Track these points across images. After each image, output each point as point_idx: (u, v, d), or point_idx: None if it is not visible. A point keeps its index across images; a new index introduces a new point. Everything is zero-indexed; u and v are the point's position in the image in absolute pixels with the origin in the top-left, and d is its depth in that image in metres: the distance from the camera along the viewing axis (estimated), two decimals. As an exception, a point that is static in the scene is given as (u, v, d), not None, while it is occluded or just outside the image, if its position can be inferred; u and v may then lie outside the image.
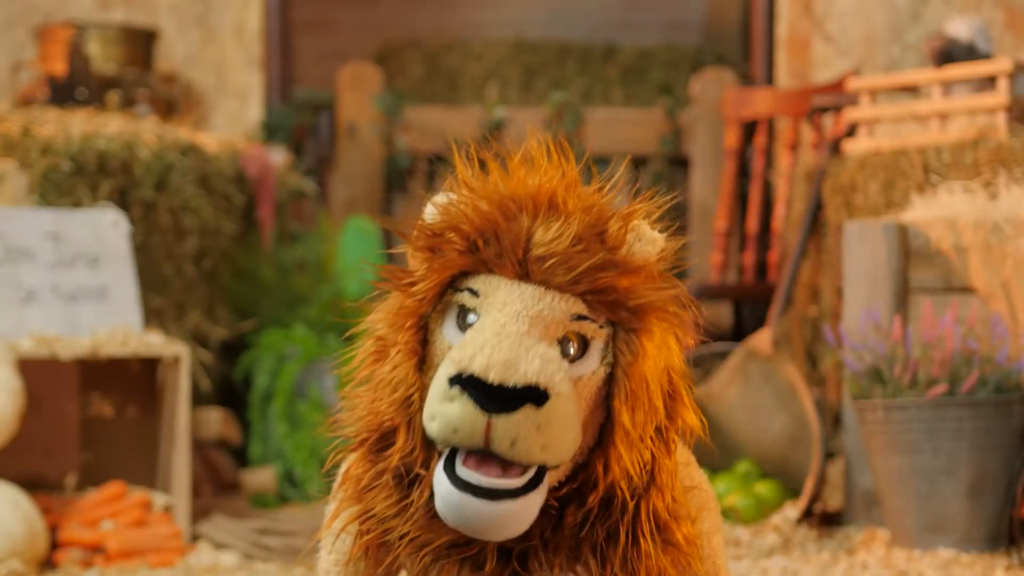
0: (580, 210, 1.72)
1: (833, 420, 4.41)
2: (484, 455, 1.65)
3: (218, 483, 4.47)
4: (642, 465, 1.72)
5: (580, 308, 1.70)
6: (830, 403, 4.42)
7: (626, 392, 1.70)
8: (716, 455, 4.17)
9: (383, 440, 1.75)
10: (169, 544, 3.76)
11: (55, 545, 3.71)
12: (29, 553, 3.56)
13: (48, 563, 3.68)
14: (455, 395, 1.63)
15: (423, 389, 1.71)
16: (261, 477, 4.50)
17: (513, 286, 1.70)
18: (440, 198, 1.77)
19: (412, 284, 1.73)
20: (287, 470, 4.56)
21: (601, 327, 1.71)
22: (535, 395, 1.62)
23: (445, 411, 1.64)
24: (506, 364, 1.62)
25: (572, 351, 1.70)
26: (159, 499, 3.89)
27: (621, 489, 1.72)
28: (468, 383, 1.62)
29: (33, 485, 3.93)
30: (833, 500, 4.19)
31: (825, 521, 4.06)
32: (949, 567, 3.46)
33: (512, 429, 1.62)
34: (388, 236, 6.01)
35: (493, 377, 1.61)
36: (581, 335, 1.70)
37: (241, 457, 4.64)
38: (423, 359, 1.73)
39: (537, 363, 1.64)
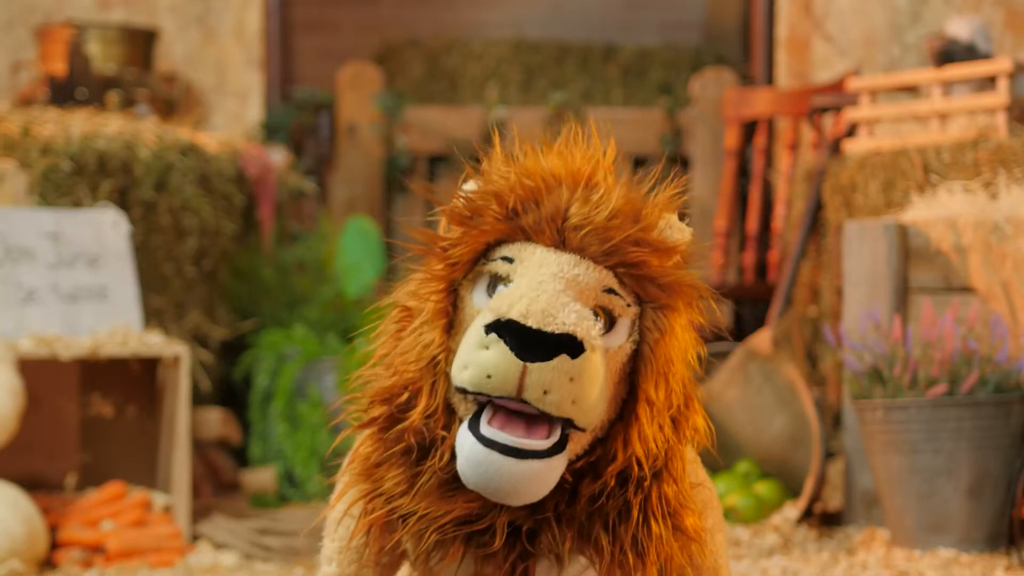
0: (617, 188, 1.77)
1: (833, 420, 4.41)
2: (508, 417, 1.67)
3: (218, 483, 4.47)
4: (661, 444, 1.74)
5: (612, 282, 1.73)
6: (830, 403, 4.42)
7: (651, 368, 1.74)
8: (716, 455, 4.17)
9: (401, 410, 1.75)
10: (169, 544, 3.76)
11: (55, 545, 3.71)
12: (29, 553, 3.56)
13: (48, 563, 3.68)
14: (491, 341, 1.65)
15: (449, 352, 1.73)
16: (261, 477, 4.50)
17: (549, 252, 1.73)
18: (471, 185, 1.80)
19: (447, 249, 1.75)
20: (287, 470, 4.56)
21: (629, 305, 1.74)
22: (571, 345, 1.64)
23: (480, 358, 1.65)
24: (544, 312, 1.65)
25: (600, 324, 1.72)
26: (159, 499, 3.89)
27: (638, 465, 1.73)
28: (506, 328, 1.64)
29: (33, 485, 3.93)
30: (833, 500, 4.19)
31: (825, 521, 4.06)
32: (949, 567, 3.46)
33: (547, 377, 1.64)
34: (389, 235, 6.01)
35: (532, 322, 1.64)
36: (609, 311, 1.73)
37: (241, 457, 4.65)
38: (451, 323, 1.75)
39: (574, 316, 1.66)
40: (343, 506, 1.84)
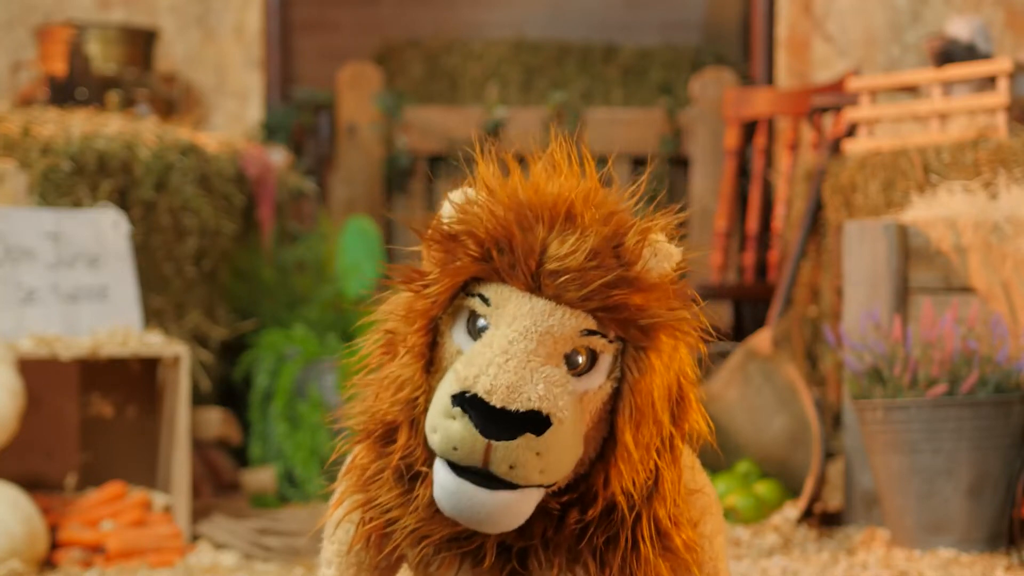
0: (597, 222, 1.70)
1: (833, 420, 4.41)
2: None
3: (218, 483, 4.46)
4: (643, 480, 1.71)
5: (590, 323, 1.68)
6: (830, 403, 4.42)
7: (631, 409, 1.69)
8: (718, 456, 4.17)
9: (388, 434, 1.74)
10: (169, 544, 3.76)
11: (55, 545, 3.71)
12: (29, 553, 3.56)
13: (48, 563, 3.68)
14: (457, 414, 1.63)
15: (429, 391, 1.71)
16: (261, 477, 4.50)
17: (524, 299, 1.68)
18: (458, 195, 1.75)
19: (425, 286, 1.72)
20: (287, 470, 4.56)
21: (611, 341, 1.69)
22: (536, 421, 1.61)
23: (446, 427, 1.63)
24: (509, 389, 1.62)
25: (580, 364, 1.68)
26: (159, 499, 3.89)
27: (620, 503, 1.71)
28: (471, 404, 1.62)
29: (33, 485, 3.93)
30: (833, 500, 4.19)
31: (825, 521, 4.06)
32: (949, 567, 3.46)
33: (511, 455, 1.62)
34: (389, 235, 6.01)
35: (496, 400, 1.61)
36: (590, 349, 1.69)
37: (241, 457, 4.64)
38: (431, 361, 1.72)
39: (541, 388, 1.63)
40: (342, 511, 1.84)
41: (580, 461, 1.70)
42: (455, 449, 1.63)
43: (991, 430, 3.58)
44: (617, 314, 1.68)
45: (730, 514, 4.07)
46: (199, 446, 4.38)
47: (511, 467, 1.62)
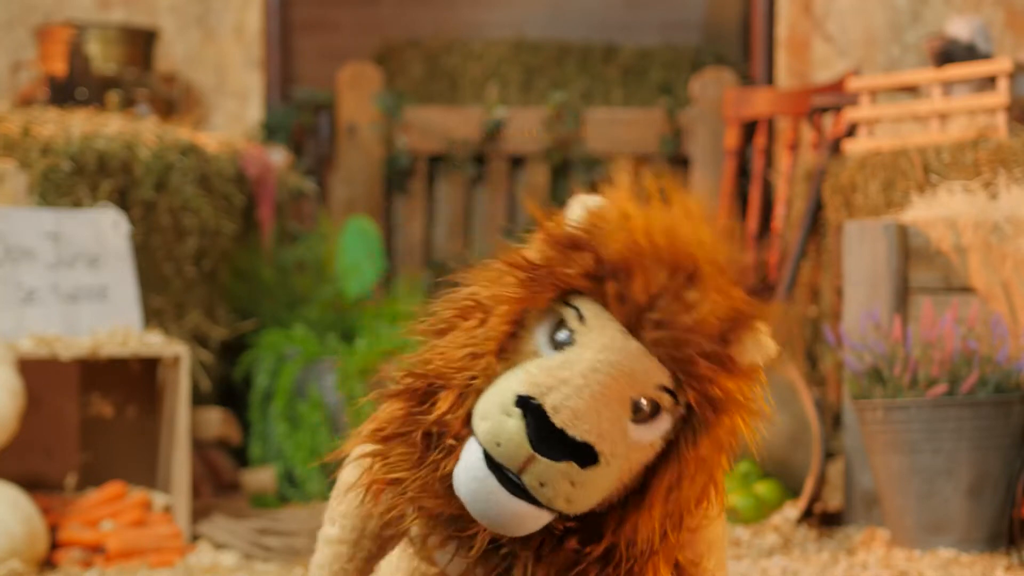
0: (718, 292, 1.66)
1: (833, 420, 4.41)
2: None
3: (218, 483, 4.46)
4: (651, 539, 1.70)
5: (669, 382, 1.66)
6: (830, 403, 4.42)
7: (671, 478, 1.68)
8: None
9: (427, 396, 1.72)
10: (169, 544, 3.76)
11: (55, 545, 3.71)
12: (29, 553, 3.56)
13: (48, 563, 3.68)
14: (515, 413, 1.61)
15: (491, 376, 1.68)
16: (261, 477, 4.50)
17: (619, 334, 1.65)
18: (592, 201, 1.71)
19: (531, 278, 1.68)
20: (287, 470, 4.56)
21: (677, 405, 1.67)
22: (585, 453, 1.60)
23: (500, 422, 1.62)
24: (575, 414, 1.60)
25: (643, 412, 1.66)
26: (159, 499, 3.89)
27: (622, 550, 1.69)
28: (533, 412, 1.60)
29: (33, 485, 3.93)
30: (833, 500, 4.19)
31: (825, 521, 4.06)
32: (949, 567, 3.46)
33: (548, 473, 1.60)
34: (389, 235, 6.01)
35: (558, 420, 1.59)
36: (655, 402, 1.66)
37: (241, 457, 4.64)
38: (503, 348, 1.70)
39: (605, 425, 1.61)
40: (352, 470, 1.82)
41: (601, 501, 1.69)
42: (498, 445, 1.61)
43: (991, 430, 3.58)
44: (698, 385, 1.66)
45: (730, 514, 4.07)
46: (199, 446, 4.38)
47: (542, 484, 1.61)
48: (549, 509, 1.64)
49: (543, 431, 1.60)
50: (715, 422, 1.68)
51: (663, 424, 1.68)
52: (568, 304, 1.68)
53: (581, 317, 1.67)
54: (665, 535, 1.72)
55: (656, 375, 1.65)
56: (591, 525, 1.70)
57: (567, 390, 1.61)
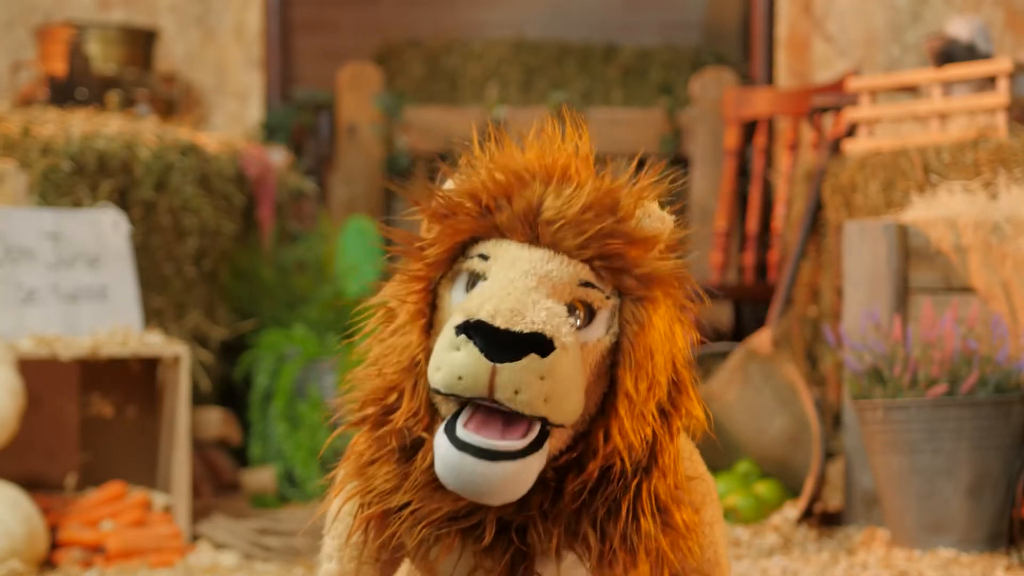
0: (593, 180, 1.77)
1: (833, 420, 4.41)
2: (486, 418, 1.67)
3: (218, 483, 4.47)
4: (643, 438, 1.74)
5: (587, 275, 1.72)
6: (830, 403, 4.42)
7: (631, 361, 1.72)
8: (719, 454, 4.17)
9: (387, 411, 1.76)
10: (169, 544, 3.76)
11: (55, 545, 3.71)
12: (29, 553, 3.56)
13: (48, 563, 3.68)
14: (461, 343, 1.65)
15: (429, 352, 1.73)
16: (261, 477, 4.50)
17: (523, 249, 1.73)
18: (451, 183, 1.80)
19: (424, 248, 1.76)
20: (287, 470, 4.56)
21: (608, 297, 1.73)
22: (540, 343, 1.64)
23: (451, 359, 1.65)
24: (512, 312, 1.65)
25: (578, 318, 1.72)
26: (159, 499, 3.89)
27: (621, 459, 1.73)
28: (475, 329, 1.64)
29: (33, 485, 3.93)
30: (833, 500, 4.19)
31: (825, 521, 4.06)
32: (949, 567, 3.46)
33: (516, 377, 1.64)
34: (388, 234, 6.00)
35: (500, 322, 1.64)
36: (587, 303, 1.72)
37: (241, 457, 4.64)
38: (431, 323, 1.75)
39: (544, 314, 1.66)
40: (339, 503, 1.84)
41: (580, 419, 1.72)
42: (460, 379, 1.64)
43: (991, 430, 3.58)
44: (613, 263, 1.72)
45: (730, 514, 4.07)
46: (199, 446, 4.38)
47: (516, 392, 1.64)
48: (532, 448, 1.66)
49: (492, 342, 1.64)
50: (647, 293, 1.74)
51: (602, 319, 1.73)
52: (470, 257, 1.75)
53: (485, 257, 1.74)
54: (654, 455, 1.75)
55: (572, 271, 1.72)
56: (583, 451, 1.73)
57: (495, 300, 1.66)
